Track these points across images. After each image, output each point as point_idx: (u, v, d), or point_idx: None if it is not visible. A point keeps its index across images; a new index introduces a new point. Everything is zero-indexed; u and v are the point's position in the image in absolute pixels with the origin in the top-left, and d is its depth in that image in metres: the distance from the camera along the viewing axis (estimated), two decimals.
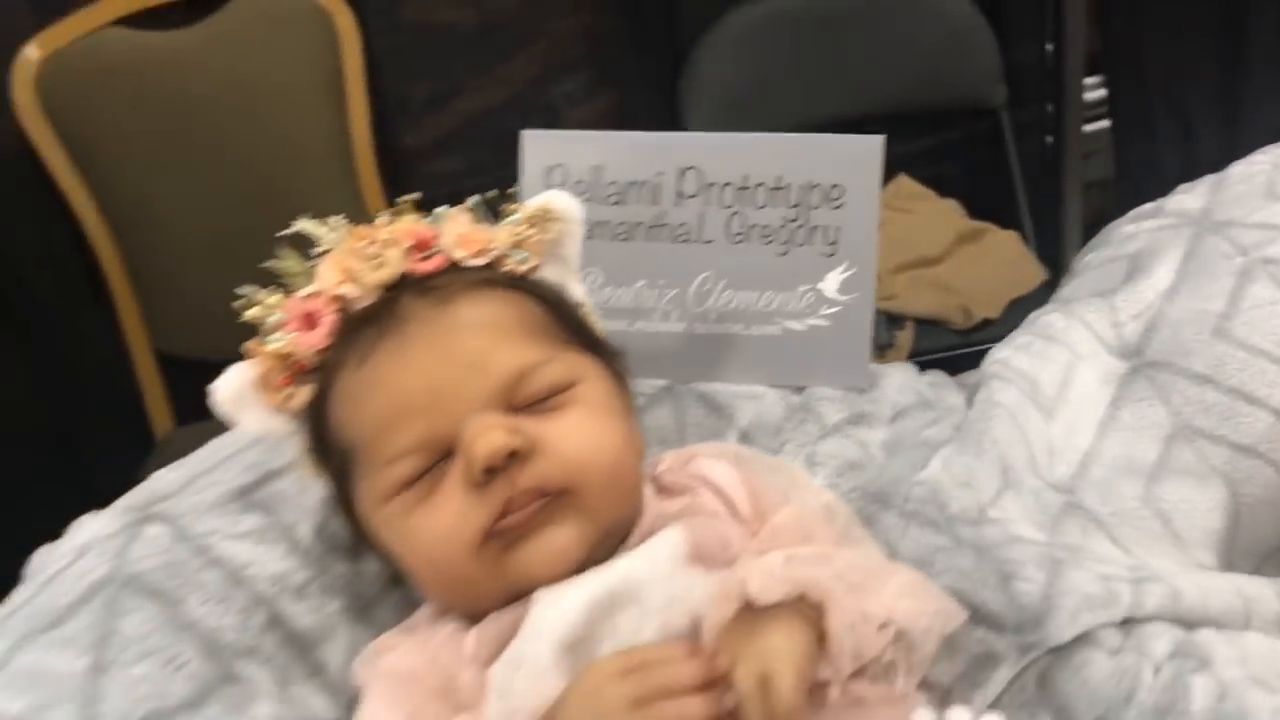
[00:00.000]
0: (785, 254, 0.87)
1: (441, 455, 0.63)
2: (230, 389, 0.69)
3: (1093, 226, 1.11)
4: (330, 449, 0.68)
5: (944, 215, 1.83)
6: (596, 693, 0.55)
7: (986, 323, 1.63)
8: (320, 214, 0.71)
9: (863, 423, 0.85)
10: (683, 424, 0.86)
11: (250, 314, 0.69)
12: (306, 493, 0.77)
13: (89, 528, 0.76)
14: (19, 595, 0.73)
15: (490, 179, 0.76)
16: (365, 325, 0.66)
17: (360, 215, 0.71)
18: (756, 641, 0.56)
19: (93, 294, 1.68)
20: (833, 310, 0.88)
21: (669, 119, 1.73)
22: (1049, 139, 1.83)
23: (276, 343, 0.68)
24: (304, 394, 0.69)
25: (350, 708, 0.68)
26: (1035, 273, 1.71)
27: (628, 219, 0.88)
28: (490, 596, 0.63)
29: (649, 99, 1.83)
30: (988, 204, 1.83)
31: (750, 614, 0.58)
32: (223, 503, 0.76)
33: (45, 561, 0.76)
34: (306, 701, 0.68)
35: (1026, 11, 1.80)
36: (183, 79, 1.59)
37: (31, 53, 1.55)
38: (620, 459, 0.65)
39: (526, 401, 0.64)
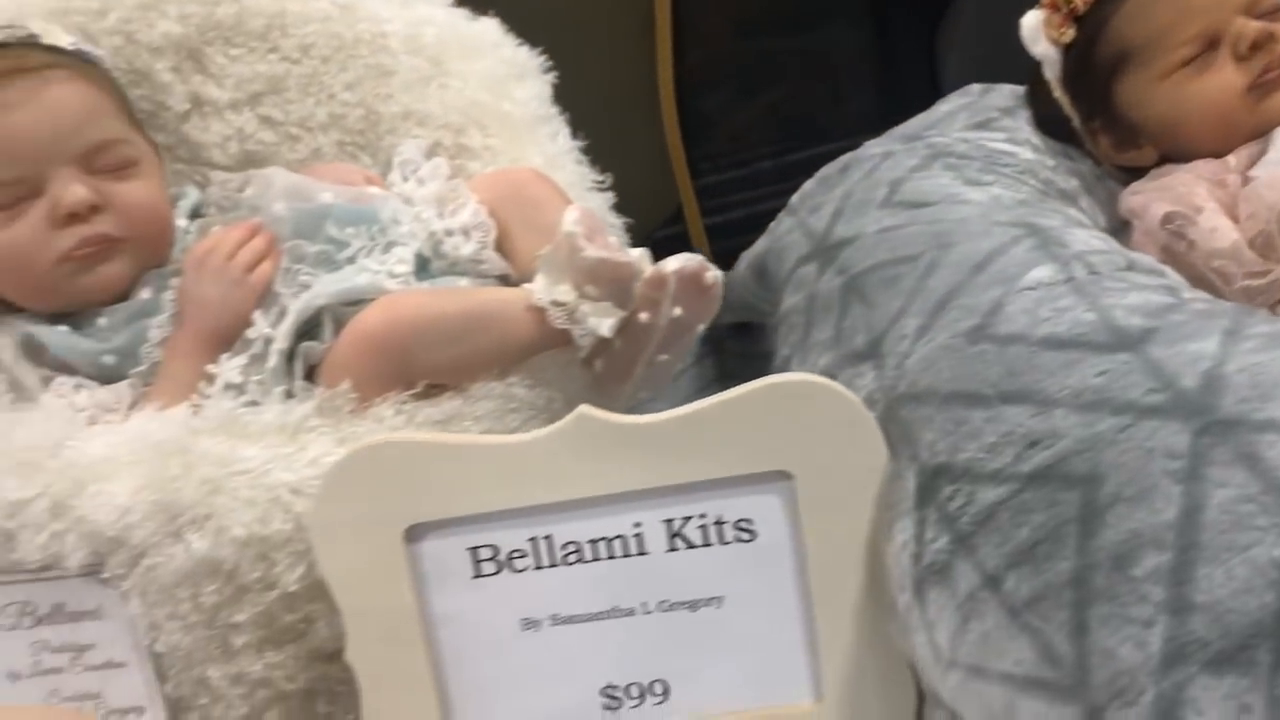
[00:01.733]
0: None
1: (1209, 45, 0.99)
2: (1030, 24, 1.07)
3: None
4: (1098, 62, 1.04)
5: None
6: None
7: None
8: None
9: None
10: None
11: None
12: (1021, 127, 1.14)
13: (873, 149, 1.13)
14: (848, 179, 1.10)
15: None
16: None
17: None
18: None
19: None
20: None
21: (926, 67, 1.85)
22: None
23: None
24: (1070, 34, 1.06)
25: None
26: None
27: None
28: (1242, 134, 0.98)
29: (909, 47, 1.94)
30: None
31: None
32: (964, 131, 1.13)
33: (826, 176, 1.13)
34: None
35: None
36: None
37: None
38: None
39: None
